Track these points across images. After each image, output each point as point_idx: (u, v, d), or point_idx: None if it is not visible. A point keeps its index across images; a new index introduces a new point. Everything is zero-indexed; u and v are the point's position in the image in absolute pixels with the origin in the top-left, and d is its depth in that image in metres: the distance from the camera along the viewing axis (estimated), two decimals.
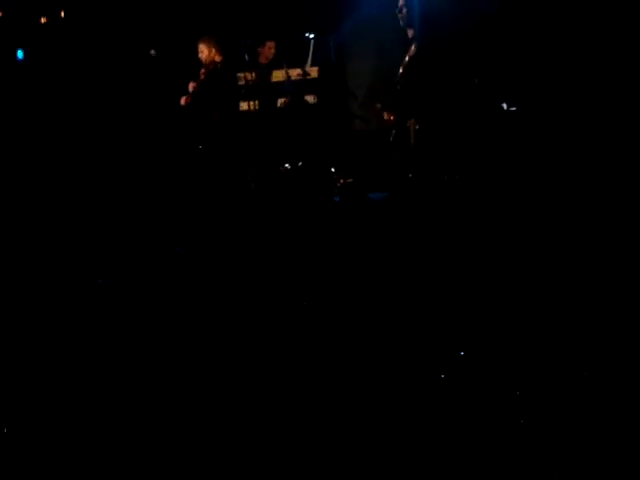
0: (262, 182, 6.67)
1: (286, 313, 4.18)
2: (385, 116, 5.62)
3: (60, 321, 4.14)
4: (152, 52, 6.55)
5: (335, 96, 7.56)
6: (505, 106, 5.43)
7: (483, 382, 3.27)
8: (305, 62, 7.24)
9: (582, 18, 5.59)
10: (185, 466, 2.81)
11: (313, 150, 6.82)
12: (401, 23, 5.41)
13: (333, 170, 6.79)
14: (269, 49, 7.08)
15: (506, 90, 5.53)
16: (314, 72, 7.31)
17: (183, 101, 6.50)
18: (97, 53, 7.02)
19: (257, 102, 6.94)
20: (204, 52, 6.44)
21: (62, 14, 7.11)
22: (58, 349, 3.80)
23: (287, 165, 6.74)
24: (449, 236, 4.82)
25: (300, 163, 6.71)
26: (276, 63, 7.11)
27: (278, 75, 7.13)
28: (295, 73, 7.06)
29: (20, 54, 6.65)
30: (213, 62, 6.46)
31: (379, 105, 5.72)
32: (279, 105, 7.14)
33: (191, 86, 6.47)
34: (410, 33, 5.42)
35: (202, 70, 6.47)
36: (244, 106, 6.98)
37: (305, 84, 7.10)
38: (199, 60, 6.48)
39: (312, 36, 7.16)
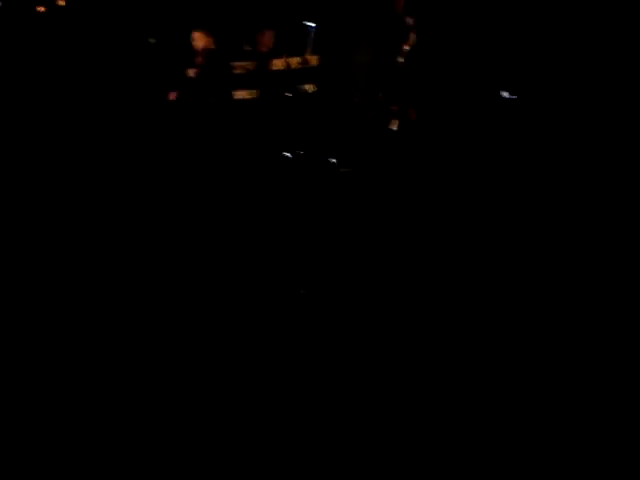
0: (260, 170, 6.65)
1: (285, 301, 4.18)
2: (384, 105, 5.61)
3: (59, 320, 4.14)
4: (151, 40, 6.54)
5: (335, 85, 7.52)
6: (505, 95, 5.41)
7: (483, 381, 3.27)
8: (305, 50, 7.21)
9: (583, 11, 5.56)
10: (184, 462, 2.81)
11: (313, 139, 6.80)
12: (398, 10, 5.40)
13: (334, 160, 6.76)
14: (268, 37, 7.06)
15: (507, 79, 5.51)
16: (314, 60, 7.28)
17: (172, 96, 6.51)
18: (96, 41, 7.00)
19: (257, 91, 6.92)
20: (200, 40, 6.47)
21: (62, 2, 7.09)
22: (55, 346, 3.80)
23: (287, 154, 6.72)
24: (449, 234, 4.81)
25: (300, 152, 6.69)
26: (276, 52, 7.08)
27: (278, 64, 7.10)
28: (295, 62, 7.03)
29: None
30: (208, 50, 6.48)
31: (381, 95, 5.71)
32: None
33: (192, 72, 6.48)
34: (410, 21, 5.40)
35: (198, 58, 6.49)
36: (244, 95, 6.96)
37: (305, 72, 7.07)
38: (194, 48, 6.51)
39: (312, 25, 7.13)
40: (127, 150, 6.67)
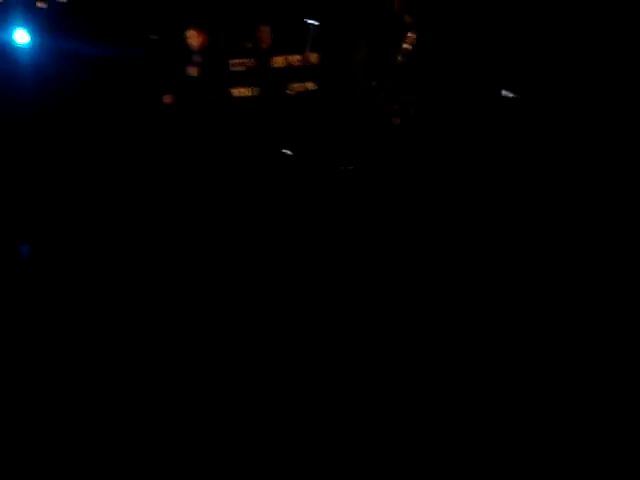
0: (260, 168, 6.67)
1: (287, 298, 4.19)
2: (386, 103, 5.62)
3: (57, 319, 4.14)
4: (153, 37, 6.55)
5: (336, 83, 7.54)
6: (506, 94, 5.43)
7: (481, 382, 3.28)
8: (305, 48, 7.22)
9: (585, 9, 5.58)
10: (184, 461, 2.82)
11: (313, 137, 6.82)
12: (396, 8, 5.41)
13: (333, 158, 6.78)
14: (266, 34, 7.07)
15: (507, 77, 5.53)
16: (314, 58, 7.29)
17: (168, 100, 6.50)
18: (97, 37, 6.98)
19: (257, 88, 6.94)
20: (196, 38, 6.48)
21: None
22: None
23: (287, 151, 6.74)
24: (448, 231, 4.83)
25: (300, 149, 6.71)
26: (276, 49, 7.10)
27: (278, 61, 7.12)
28: (295, 59, 7.05)
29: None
30: (204, 47, 6.50)
31: (382, 94, 5.72)
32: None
33: (194, 70, 6.48)
34: (408, 19, 5.41)
35: (195, 56, 6.51)
36: (243, 92, 6.97)
37: (305, 70, 7.09)
38: (188, 46, 6.52)
39: (313, 22, 7.14)
40: (127, 149, 6.68)
